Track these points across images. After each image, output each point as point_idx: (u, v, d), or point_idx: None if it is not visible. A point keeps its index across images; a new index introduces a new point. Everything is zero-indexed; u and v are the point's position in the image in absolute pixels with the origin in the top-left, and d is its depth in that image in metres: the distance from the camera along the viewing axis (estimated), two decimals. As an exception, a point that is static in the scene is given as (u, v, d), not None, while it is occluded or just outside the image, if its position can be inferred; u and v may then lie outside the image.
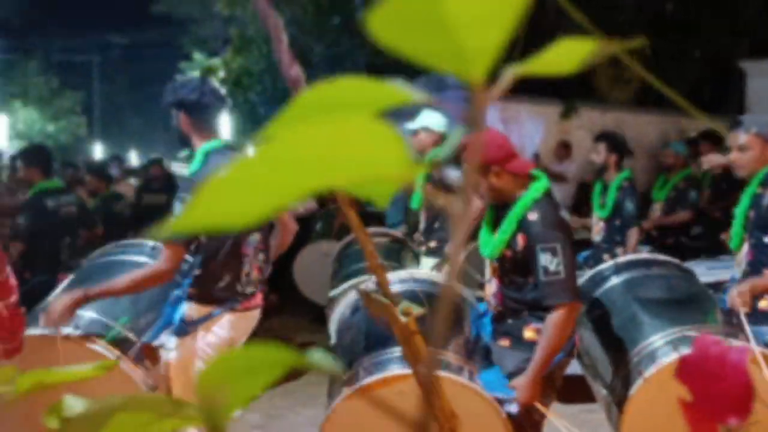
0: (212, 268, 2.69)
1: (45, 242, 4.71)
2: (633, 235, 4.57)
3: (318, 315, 5.59)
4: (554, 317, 2.37)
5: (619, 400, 2.66)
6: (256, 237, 2.82)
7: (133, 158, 20.01)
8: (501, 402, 2.48)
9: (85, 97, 22.04)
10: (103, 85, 24.42)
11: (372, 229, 5.23)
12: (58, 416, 0.59)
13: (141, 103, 24.28)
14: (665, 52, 8.31)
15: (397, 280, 3.13)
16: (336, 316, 3.62)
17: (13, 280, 1.78)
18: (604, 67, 8.98)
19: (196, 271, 2.74)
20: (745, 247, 3.00)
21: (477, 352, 2.77)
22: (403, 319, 1.00)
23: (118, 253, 3.50)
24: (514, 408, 2.47)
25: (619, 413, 2.61)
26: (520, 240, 2.47)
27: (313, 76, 5.36)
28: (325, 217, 7.19)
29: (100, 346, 2.88)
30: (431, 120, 4.23)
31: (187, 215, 0.30)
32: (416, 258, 4.55)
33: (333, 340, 3.50)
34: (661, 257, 3.33)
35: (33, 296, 3.46)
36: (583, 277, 3.16)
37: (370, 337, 2.93)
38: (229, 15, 10.13)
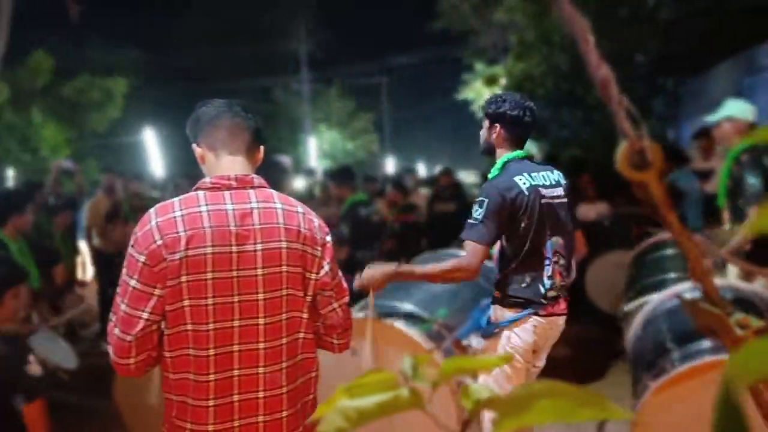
0: (514, 269, 2.79)
1: (362, 246, 5.46)
2: None
3: (609, 323, 5.44)
4: None
5: None
6: (557, 241, 2.82)
7: (421, 169, 21.45)
8: None
9: (376, 116, 24.43)
10: (391, 104, 26.88)
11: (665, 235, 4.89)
12: (470, 399, 0.68)
13: (426, 118, 26.09)
14: None
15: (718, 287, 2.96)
16: (631, 333, 3.51)
17: (345, 283, 2.00)
18: None
19: (499, 274, 2.87)
20: None
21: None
22: (739, 331, 0.92)
23: (431, 260, 3.93)
24: None
25: None
26: None
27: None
28: (619, 222, 6.88)
29: (418, 336, 3.20)
30: (736, 109, 3.93)
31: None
32: (718, 265, 4.12)
33: (630, 356, 3.42)
34: None
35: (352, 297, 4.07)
36: None
37: (667, 341, 2.84)
38: (508, 22, 10.30)
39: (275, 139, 22.52)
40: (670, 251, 4.72)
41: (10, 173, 12.81)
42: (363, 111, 23.38)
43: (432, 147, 25.75)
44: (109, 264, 7.10)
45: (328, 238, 1.93)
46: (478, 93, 11.32)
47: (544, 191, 2.76)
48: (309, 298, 1.87)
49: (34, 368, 2.32)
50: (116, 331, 1.73)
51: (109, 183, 7.49)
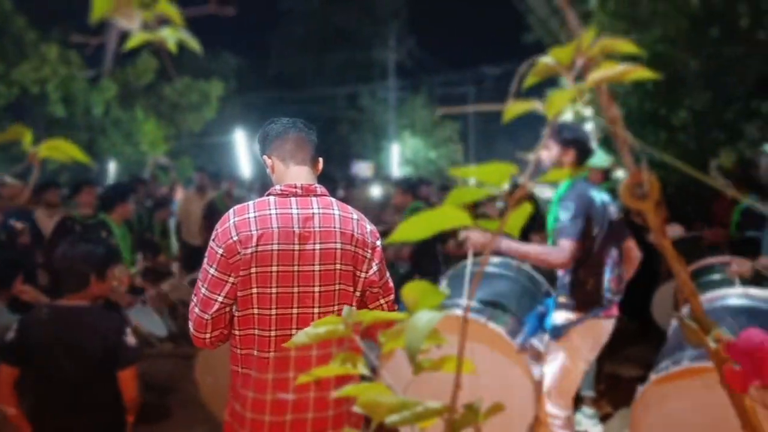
0: (581, 273, 3.11)
1: (420, 251, 5.88)
2: None
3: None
4: None
5: None
6: (615, 252, 3.21)
7: (503, 181, 21.36)
8: None
9: (461, 126, 24.58)
10: (477, 114, 26.95)
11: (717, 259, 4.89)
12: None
13: (511, 130, 26.01)
14: None
15: (735, 295, 3.16)
16: (670, 331, 3.66)
17: (391, 282, 2.27)
18: None
19: (567, 278, 3.20)
20: None
21: None
22: (712, 345, 1.17)
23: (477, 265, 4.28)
24: None
25: None
26: None
27: (687, 92, 5.30)
28: (690, 245, 6.81)
29: (501, 329, 3.41)
30: None
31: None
32: None
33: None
34: None
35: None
36: None
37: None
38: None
39: (360, 144, 23.17)
40: (717, 276, 4.73)
41: (112, 166, 13.94)
42: (448, 120, 23.59)
43: (514, 159, 25.60)
44: (195, 255, 7.75)
45: (378, 243, 2.21)
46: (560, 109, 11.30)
47: (609, 207, 3.21)
48: (358, 293, 2.16)
49: (131, 339, 2.77)
50: (196, 309, 2.07)
51: (201, 182, 8.13)
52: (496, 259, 4.29)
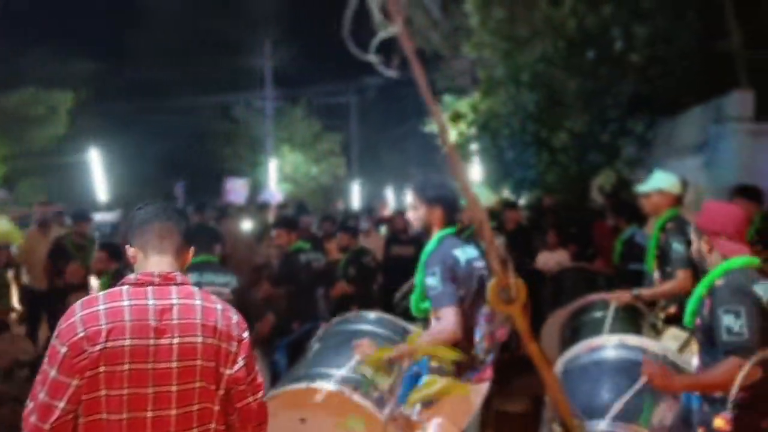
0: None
1: (302, 294, 5.78)
2: None
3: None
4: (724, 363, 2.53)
5: None
6: (486, 309, 3.20)
7: (389, 194, 21.62)
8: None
9: (343, 138, 24.65)
10: (360, 125, 27.16)
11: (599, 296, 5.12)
12: None
13: (395, 141, 26.45)
14: None
15: (612, 346, 3.30)
16: None
17: (260, 378, 2.21)
18: None
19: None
20: None
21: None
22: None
23: (352, 322, 4.24)
24: None
25: None
26: (707, 305, 2.68)
27: (566, 113, 5.52)
28: (575, 275, 7.12)
29: (366, 402, 3.35)
30: (665, 182, 4.37)
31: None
32: (654, 328, 4.42)
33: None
34: None
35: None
36: None
37: None
38: (476, 57, 10.64)
39: (234, 159, 22.60)
40: (598, 314, 4.91)
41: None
42: (330, 132, 23.58)
43: (402, 171, 26.08)
44: (39, 302, 7.15)
45: (246, 334, 2.16)
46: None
47: (476, 263, 3.24)
48: (222, 392, 2.09)
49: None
50: (32, 419, 1.92)
51: (43, 217, 7.49)
52: (371, 315, 4.23)
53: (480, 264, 3.27)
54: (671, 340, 4.38)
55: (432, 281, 3.06)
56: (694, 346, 4.30)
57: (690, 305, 2.79)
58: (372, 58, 2.43)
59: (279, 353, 5.55)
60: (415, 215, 3.30)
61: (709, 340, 2.64)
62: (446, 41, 14.77)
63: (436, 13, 14.44)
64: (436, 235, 3.25)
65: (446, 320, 3.00)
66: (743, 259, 2.67)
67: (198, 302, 2.09)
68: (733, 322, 2.45)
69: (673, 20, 9.38)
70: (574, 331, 4.93)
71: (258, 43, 22.53)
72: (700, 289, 2.73)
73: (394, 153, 27.80)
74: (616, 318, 4.47)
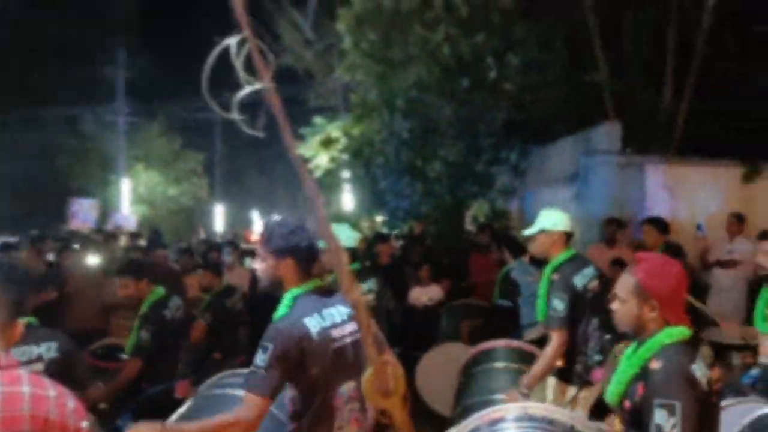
0: (303, 426, 2.64)
1: (164, 354, 4.92)
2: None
3: (443, 425, 5.35)
4: None
5: None
6: (349, 386, 2.74)
7: (255, 218, 21.04)
8: None
9: (206, 158, 23.65)
10: (224, 144, 26.21)
11: (503, 342, 4.97)
12: None
13: (263, 163, 25.69)
14: None
15: (513, 418, 3.02)
16: None
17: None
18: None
19: (289, 427, 2.72)
20: None
21: None
22: None
23: (230, 386, 3.69)
24: None
25: None
26: (639, 389, 2.39)
27: (441, 142, 5.33)
28: (450, 313, 7.01)
29: None
30: (548, 222, 4.27)
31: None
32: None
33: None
34: None
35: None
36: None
37: None
38: (350, 79, 10.43)
39: (82, 178, 21.00)
40: (499, 364, 4.77)
41: None
42: (191, 151, 22.56)
43: (269, 194, 25.43)
44: None
45: (84, 424, 1.97)
46: (315, 152, 11.26)
47: (335, 333, 2.69)
48: None
49: None
50: None
51: None
52: (236, 379, 3.74)
53: (342, 331, 2.73)
54: (551, 389, 4.29)
55: (259, 357, 2.53)
56: (582, 401, 4.23)
57: (617, 385, 2.46)
58: (235, 116, 2.18)
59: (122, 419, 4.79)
60: (261, 268, 2.74)
61: (639, 427, 2.35)
62: (319, 60, 14.56)
63: (308, 32, 14.20)
64: (289, 294, 2.71)
65: (244, 410, 2.52)
66: (682, 329, 2.40)
67: (26, 389, 1.88)
68: (665, 420, 2.19)
69: (542, 50, 9.65)
70: (470, 379, 4.75)
71: (109, 51, 21.18)
72: (631, 369, 2.42)
73: (262, 175, 27.01)
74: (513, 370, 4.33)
